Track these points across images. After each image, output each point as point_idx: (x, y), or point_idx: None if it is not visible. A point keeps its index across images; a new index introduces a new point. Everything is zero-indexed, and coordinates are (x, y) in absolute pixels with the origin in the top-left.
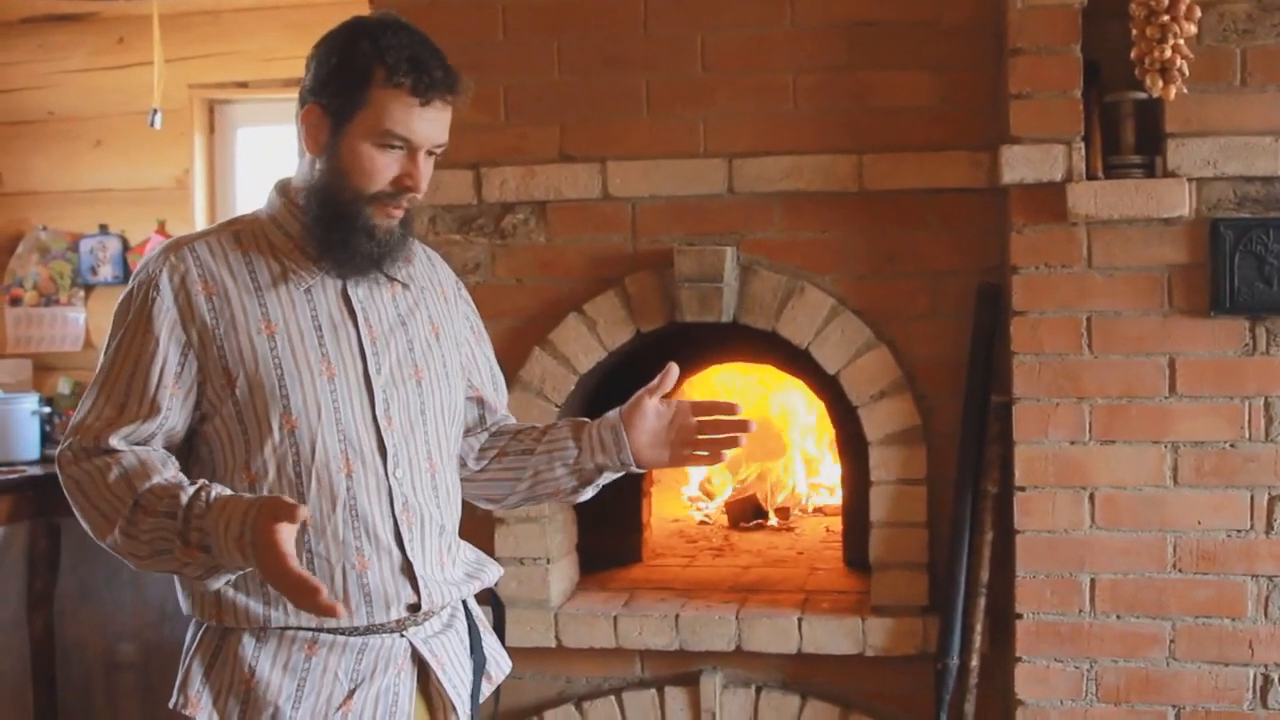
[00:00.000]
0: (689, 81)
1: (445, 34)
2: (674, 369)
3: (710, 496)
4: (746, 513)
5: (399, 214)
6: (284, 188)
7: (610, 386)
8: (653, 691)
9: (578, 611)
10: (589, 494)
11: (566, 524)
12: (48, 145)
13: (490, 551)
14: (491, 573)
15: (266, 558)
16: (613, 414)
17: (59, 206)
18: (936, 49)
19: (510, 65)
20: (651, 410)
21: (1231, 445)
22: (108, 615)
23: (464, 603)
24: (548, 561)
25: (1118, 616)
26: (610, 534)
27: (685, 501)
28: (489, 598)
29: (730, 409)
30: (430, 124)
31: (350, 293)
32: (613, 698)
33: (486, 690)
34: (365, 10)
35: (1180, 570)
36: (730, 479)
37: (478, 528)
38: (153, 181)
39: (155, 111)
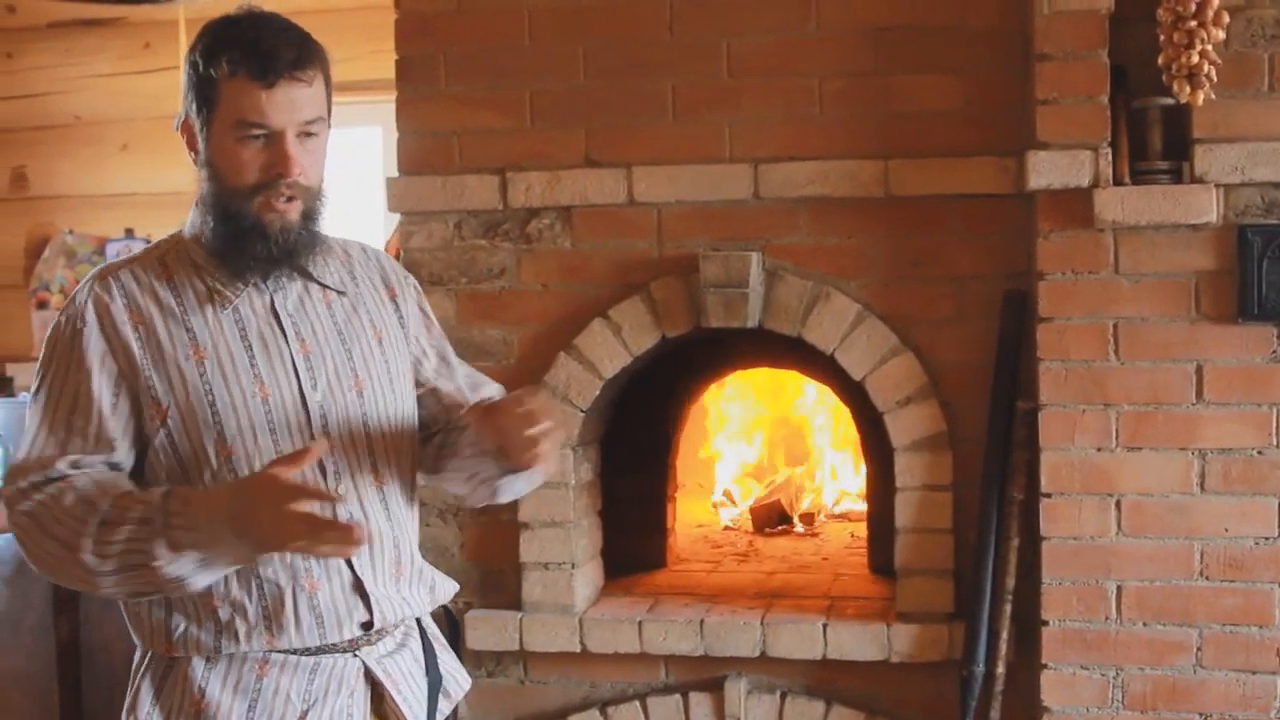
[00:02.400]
0: (714, 86)
1: (471, 39)
2: (530, 401)
3: (735, 502)
4: (771, 518)
5: (288, 208)
6: (199, 203)
7: (636, 391)
8: (677, 697)
9: (602, 616)
10: (508, 496)
11: (591, 529)
12: (74, 149)
13: (515, 557)
14: (446, 589)
15: (272, 506)
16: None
17: (85, 210)
18: (962, 54)
19: (536, 70)
20: (492, 423)
21: (1259, 452)
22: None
23: (419, 621)
24: (572, 567)
25: (1144, 624)
26: (635, 539)
27: (710, 507)
28: (443, 615)
29: (520, 398)
30: (283, 105)
31: (278, 307)
32: (637, 703)
33: (445, 708)
34: (389, 13)
35: (1207, 578)
36: (755, 484)
37: (502, 533)
38: (178, 185)
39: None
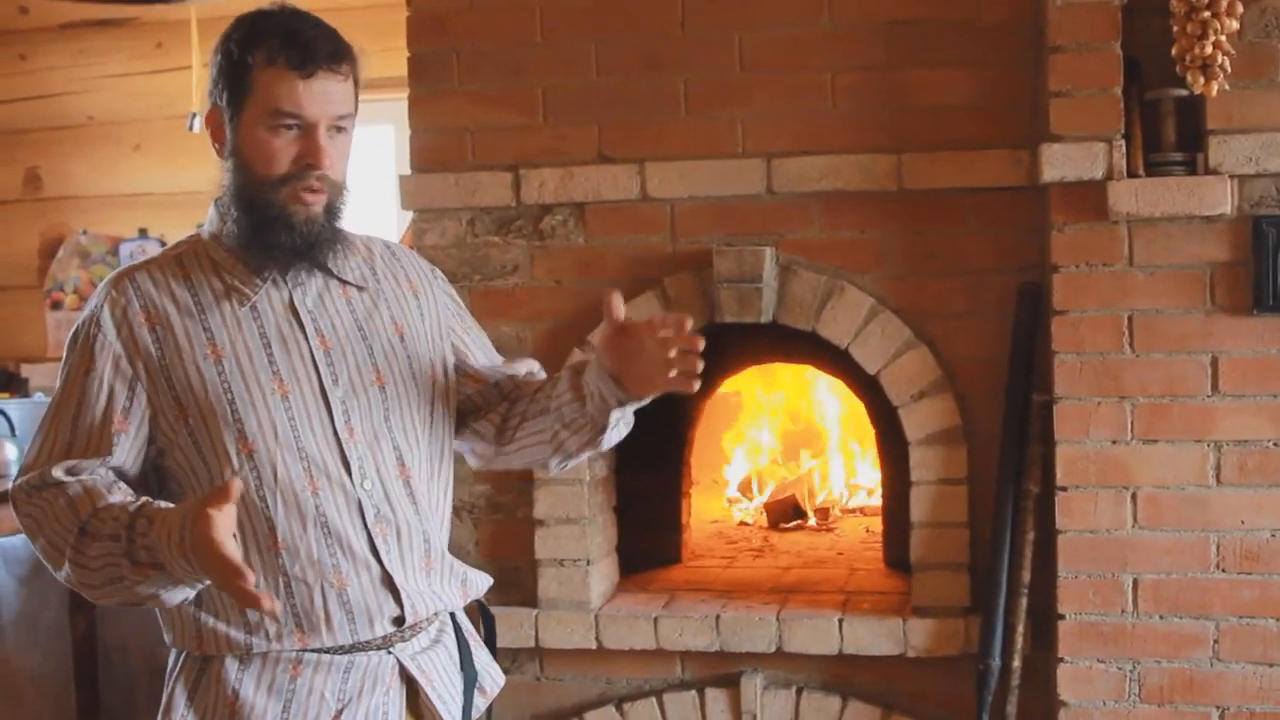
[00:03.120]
0: (727, 81)
1: (483, 35)
2: (615, 296)
3: (750, 497)
4: (786, 513)
5: (315, 199)
6: (219, 201)
7: None
8: (693, 693)
9: (618, 613)
10: (612, 437)
11: (606, 525)
12: (88, 149)
13: (530, 554)
14: (479, 583)
15: (202, 552)
16: (592, 361)
17: (99, 210)
18: (975, 47)
19: (548, 66)
20: (619, 347)
21: (1275, 444)
22: (149, 617)
23: (452, 617)
24: (588, 563)
25: (1161, 617)
26: (650, 535)
27: (724, 503)
28: (478, 611)
29: (679, 323)
30: (318, 96)
31: (298, 303)
32: (653, 699)
33: (480, 705)
34: (401, 11)
35: (1224, 570)
36: (770, 480)
37: (517, 530)
38: (192, 185)
39: (194, 115)
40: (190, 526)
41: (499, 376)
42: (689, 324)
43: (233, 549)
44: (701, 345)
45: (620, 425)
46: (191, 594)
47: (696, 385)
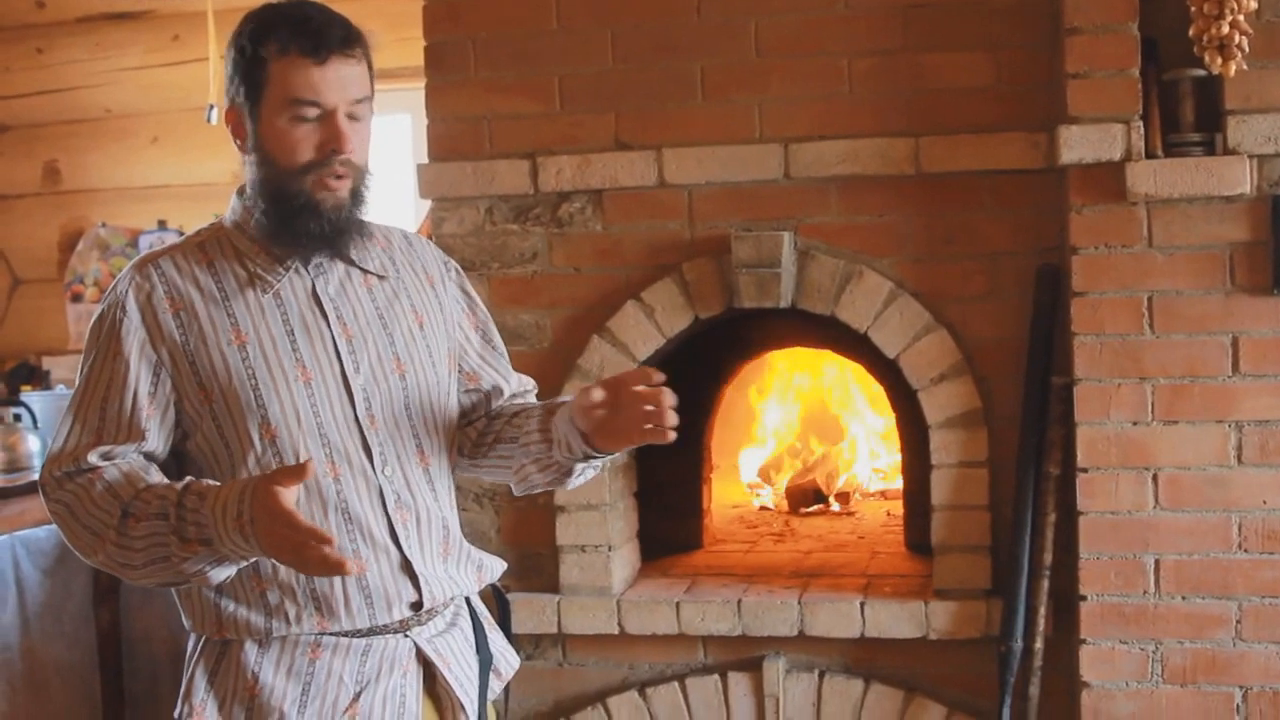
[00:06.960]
0: (743, 66)
1: (499, 24)
2: (657, 376)
3: (770, 482)
4: (807, 498)
5: (340, 185)
6: (242, 191)
7: (670, 373)
8: (716, 677)
9: (640, 598)
10: (577, 482)
11: (627, 511)
12: (105, 142)
13: (551, 540)
14: (495, 568)
15: (268, 524)
16: (564, 408)
17: (118, 203)
18: (992, 29)
19: (564, 54)
20: (596, 399)
21: None
22: (172, 607)
23: (468, 600)
24: (609, 549)
25: (1183, 597)
26: (671, 520)
27: (745, 487)
28: (493, 594)
29: (646, 376)
30: (334, 81)
31: (320, 292)
32: (676, 684)
33: (496, 688)
34: (415, 1)
35: (1246, 550)
36: (791, 464)
37: (539, 516)
38: (209, 177)
39: (211, 107)
40: (253, 501)
41: (490, 384)
42: (658, 377)
43: (304, 518)
44: (673, 401)
45: (588, 471)
46: (234, 571)
47: (671, 438)
